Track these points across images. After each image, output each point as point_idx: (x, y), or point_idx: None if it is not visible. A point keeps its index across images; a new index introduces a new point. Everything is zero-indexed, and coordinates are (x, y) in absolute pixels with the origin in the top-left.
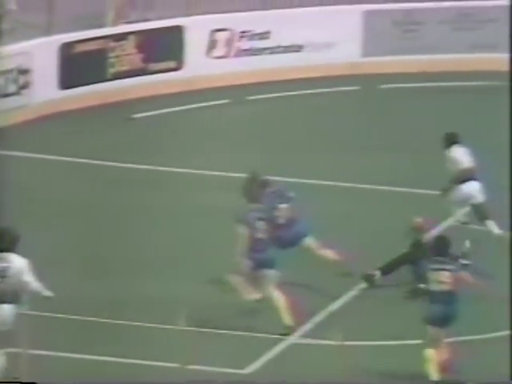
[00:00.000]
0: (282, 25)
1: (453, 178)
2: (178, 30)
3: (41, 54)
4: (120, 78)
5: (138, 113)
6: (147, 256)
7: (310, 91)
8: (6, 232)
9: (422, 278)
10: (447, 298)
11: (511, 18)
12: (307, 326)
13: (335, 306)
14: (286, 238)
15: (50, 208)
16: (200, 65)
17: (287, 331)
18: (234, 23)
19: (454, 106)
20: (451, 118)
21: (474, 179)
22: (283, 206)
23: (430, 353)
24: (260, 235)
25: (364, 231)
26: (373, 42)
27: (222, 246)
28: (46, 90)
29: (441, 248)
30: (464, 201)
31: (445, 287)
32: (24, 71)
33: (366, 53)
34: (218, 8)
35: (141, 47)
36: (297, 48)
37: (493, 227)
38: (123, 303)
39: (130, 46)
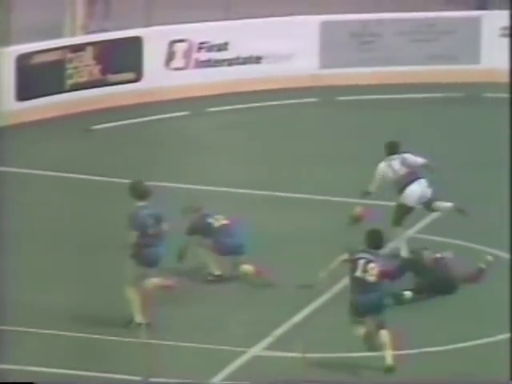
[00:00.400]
0: (241, 36)
1: (396, 187)
2: (136, 41)
3: None
4: (78, 90)
5: (96, 124)
6: (108, 268)
7: (269, 103)
8: None
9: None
10: (372, 288)
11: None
12: (269, 339)
13: (298, 317)
14: (224, 244)
15: (7, 220)
16: (159, 76)
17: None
18: (192, 34)
19: (411, 119)
20: (408, 130)
21: (416, 180)
22: (218, 216)
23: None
24: (150, 231)
25: (318, 242)
26: (331, 53)
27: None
28: (2, 102)
29: (373, 241)
30: (416, 202)
31: (371, 278)
32: None
33: (324, 64)
34: (176, 18)
35: (99, 58)
36: (256, 59)
37: (444, 205)
38: (90, 315)
39: (88, 56)
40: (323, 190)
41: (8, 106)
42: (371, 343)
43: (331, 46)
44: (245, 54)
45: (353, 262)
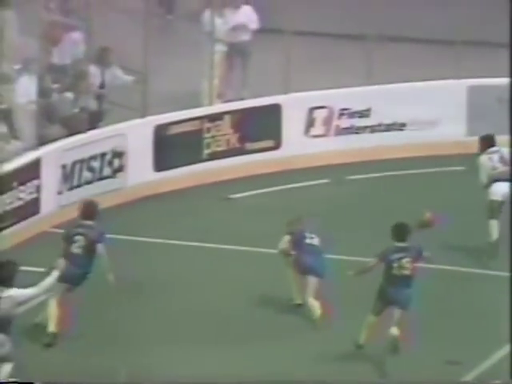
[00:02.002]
0: (383, 102)
1: (488, 180)
2: (275, 109)
3: (136, 135)
4: (216, 159)
5: (235, 193)
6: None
7: (412, 171)
8: (5, 264)
9: None
10: (408, 282)
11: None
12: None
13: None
14: (305, 261)
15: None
16: (298, 144)
17: (49, 338)
18: (332, 101)
19: None
20: None
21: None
22: (313, 235)
23: (395, 331)
24: (76, 250)
25: None
26: (478, 119)
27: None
28: (141, 173)
29: (401, 234)
30: (502, 196)
31: (406, 272)
32: (119, 154)
33: (472, 131)
34: (316, 85)
35: (237, 127)
36: (399, 126)
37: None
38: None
39: (225, 125)
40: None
41: (146, 176)
42: (369, 334)
43: (479, 112)
44: (387, 120)
45: (386, 262)
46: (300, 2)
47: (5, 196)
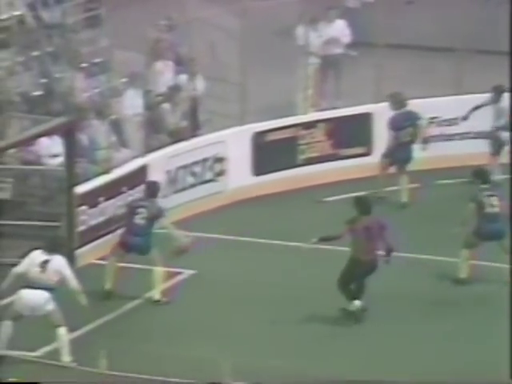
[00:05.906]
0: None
1: None
2: (366, 117)
3: (235, 142)
4: (310, 164)
5: (328, 196)
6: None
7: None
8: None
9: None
10: (498, 218)
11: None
12: None
13: None
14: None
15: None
16: None
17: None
18: (421, 109)
19: None
20: None
21: None
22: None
23: (465, 252)
24: (137, 220)
25: None
26: None
27: None
28: (240, 177)
29: (485, 177)
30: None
31: (496, 209)
32: (220, 159)
33: None
34: (406, 95)
35: (330, 134)
36: (487, 134)
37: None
38: None
39: (319, 133)
40: None
41: (246, 180)
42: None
43: None
44: (476, 128)
45: (479, 203)
46: (390, 16)
47: (115, 200)
